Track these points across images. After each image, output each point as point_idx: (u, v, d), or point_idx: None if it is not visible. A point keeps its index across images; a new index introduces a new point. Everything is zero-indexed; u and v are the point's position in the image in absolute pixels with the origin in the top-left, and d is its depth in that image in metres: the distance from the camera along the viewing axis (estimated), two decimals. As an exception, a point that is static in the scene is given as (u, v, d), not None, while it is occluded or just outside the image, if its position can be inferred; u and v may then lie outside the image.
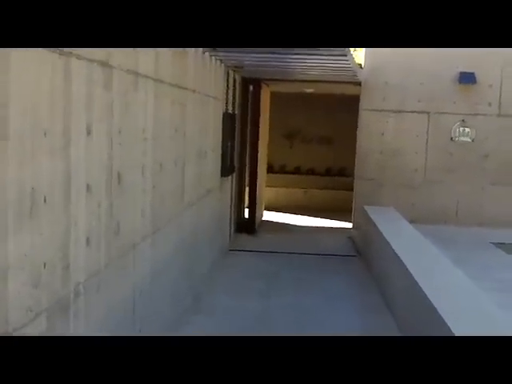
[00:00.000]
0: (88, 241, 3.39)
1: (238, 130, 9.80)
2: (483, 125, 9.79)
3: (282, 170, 13.97)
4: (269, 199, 12.99)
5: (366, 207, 8.68)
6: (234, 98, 8.96)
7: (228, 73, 8.29)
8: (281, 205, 13.15)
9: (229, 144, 8.69)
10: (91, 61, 3.34)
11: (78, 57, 3.15)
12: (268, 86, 11.86)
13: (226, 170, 8.33)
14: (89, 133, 3.34)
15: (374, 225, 7.55)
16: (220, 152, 8.09)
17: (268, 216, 12.37)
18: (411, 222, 8.90)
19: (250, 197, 10.32)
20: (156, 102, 4.69)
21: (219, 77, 7.76)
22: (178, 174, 5.65)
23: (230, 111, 8.73)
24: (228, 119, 8.43)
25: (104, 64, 3.53)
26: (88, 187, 3.37)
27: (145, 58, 4.34)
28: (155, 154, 4.73)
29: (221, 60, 7.59)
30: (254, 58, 7.41)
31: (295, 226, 11.56)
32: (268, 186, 12.93)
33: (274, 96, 12.65)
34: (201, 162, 6.73)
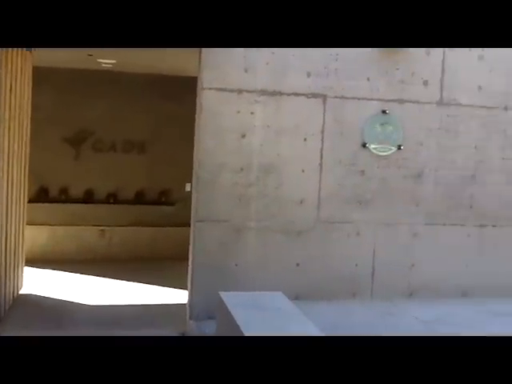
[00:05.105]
0: None
1: None
2: (416, 120, 5.55)
3: (64, 197, 8.67)
4: (38, 246, 7.77)
5: (223, 296, 3.91)
6: None
7: None
8: (60, 255, 7.97)
9: None
10: None
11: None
12: (30, 52, 6.76)
13: None
14: None
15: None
16: None
17: (32, 283, 6.99)
18: (295, 298, 4.69)
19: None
20: None
21: None
22: None
23: None
24: None
25: None
26: None
27: None
28: None
29: None
30: None
31: (82, 306, 6.31)
32: (36, 225, 7.71)
33: (46, 74, 7.64)
34: None
